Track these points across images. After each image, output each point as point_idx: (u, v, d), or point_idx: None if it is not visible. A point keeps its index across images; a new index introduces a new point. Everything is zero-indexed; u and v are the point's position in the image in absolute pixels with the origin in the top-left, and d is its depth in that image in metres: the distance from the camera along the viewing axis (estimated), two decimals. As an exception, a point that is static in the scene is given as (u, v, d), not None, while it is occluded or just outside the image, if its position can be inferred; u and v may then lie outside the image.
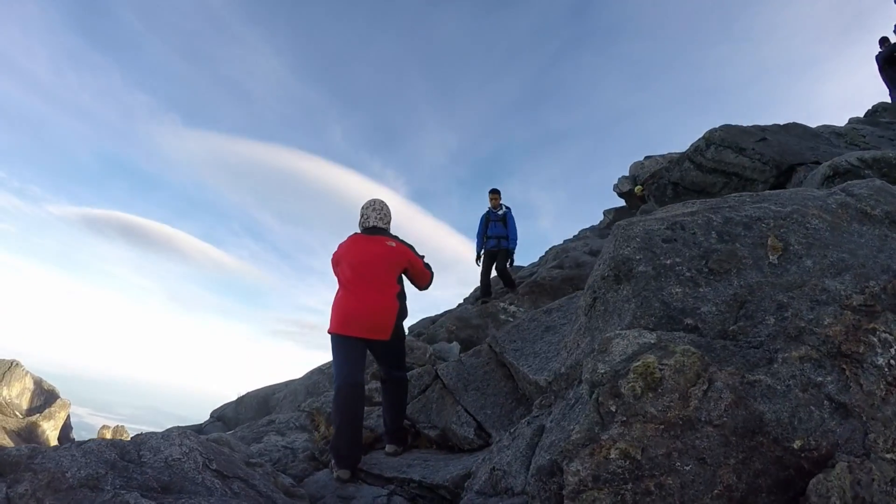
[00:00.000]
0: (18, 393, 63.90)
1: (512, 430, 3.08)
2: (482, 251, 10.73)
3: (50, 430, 56.22)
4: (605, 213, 23.89)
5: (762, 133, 8.38)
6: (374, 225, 4.69)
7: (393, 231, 4.82)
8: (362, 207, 4.82)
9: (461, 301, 17.94)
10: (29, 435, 51.85)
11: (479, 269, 10.89)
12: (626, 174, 20.27)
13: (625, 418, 2.07)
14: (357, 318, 4.20)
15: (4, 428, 48.86)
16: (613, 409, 2.10)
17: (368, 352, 4.39)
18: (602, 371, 2.21)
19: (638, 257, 2.69)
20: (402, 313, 4.46)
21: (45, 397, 65.13)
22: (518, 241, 10.48)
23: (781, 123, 9.23)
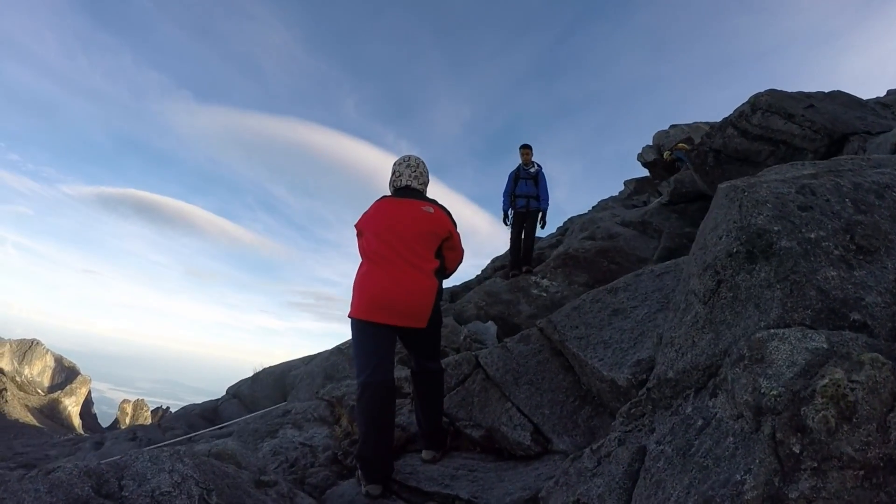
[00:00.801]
0: (40, 371, 64.85)
1: (595, 447, 2.39)
2: (510, 211, 9.78)
3: (72, 407, 56.96)
4: (626, 183, 23.21)
5: (808, 99, 7.74)
6: (408, 185, 3.90)
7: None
8: (394, 164, 4.05)
9: (478, 272, 17.36)
10: (51, 412, 52.54)
11: (509, 234, 9.90)
12: (650, 143, 19.54)
13: (816, 464, 1.37)
14: (387, 300, 3.43)
15: (27, 406, 49.44)
16: (798, 449, 1.40)
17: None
18: (774, 392, 1.50)
19: (776, 228, 1.97)
20: (440, 294, 3.70)
21: (65, 374, 66.08)
22: (549, 204, 9.54)
23: (826, 91, 8.60)
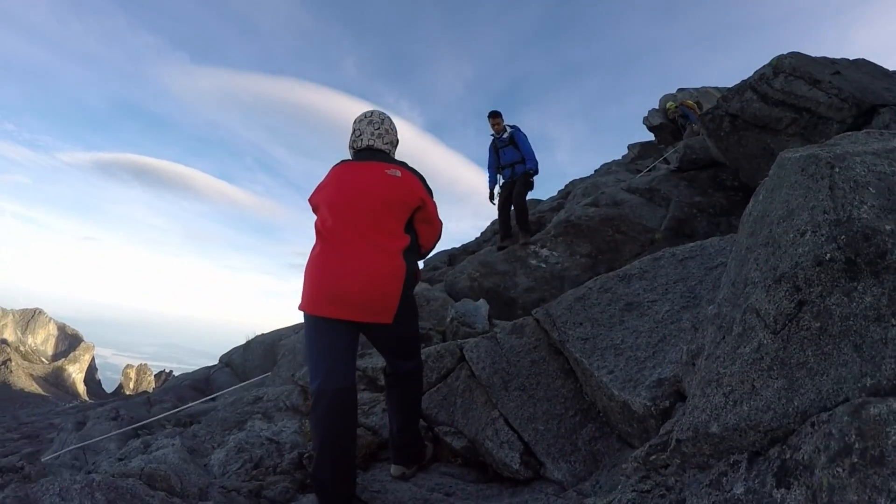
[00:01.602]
0: (43, 340, 65.30)
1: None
2: (496, 186, 9.14)
3: (76, 374, 57.38)
4: (630, 147, 22.48)
5: (833, 66, 7.01)
6: (370, 145, 3.19)
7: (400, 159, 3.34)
8: (354, 121, 3.32)
9: (478, 234, 16.74)
10: (56, 380, 52.87)
11: (496, 206, 9.21)
12: (656, 107, 18.71)
13: None
14: (341, 291, 2.73)
15: (31, 375, 49.65)
16: None
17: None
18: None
19: (889, 228, 1.26)
20: (411, 279, 2.96)
21: (69, 342, 66.52)
22: (538, 162, 8.74)
23: (851, 59, 7.88)
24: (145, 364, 64.01)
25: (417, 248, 3.12)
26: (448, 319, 5.12)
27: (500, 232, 9.50)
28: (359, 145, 3.21)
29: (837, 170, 1.38)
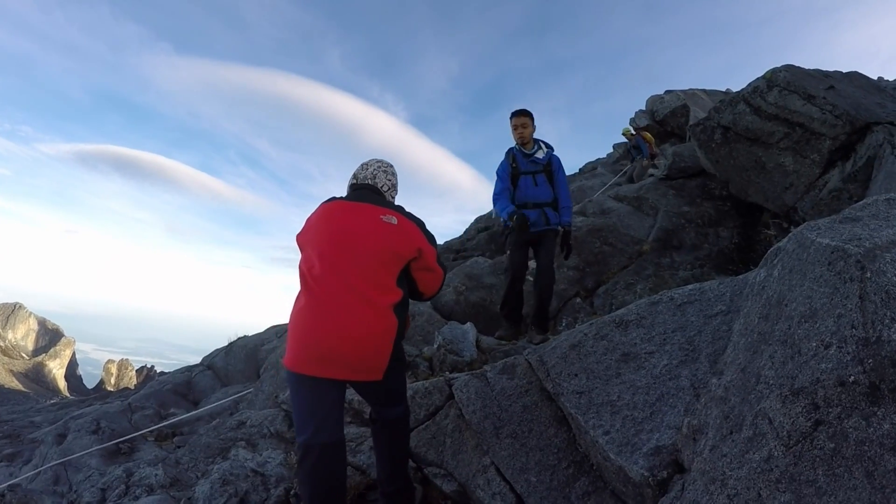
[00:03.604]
0: (23, 335, 64.47)
1: None
2: (510, 230, 5.39)
3: (56, 369, 56.72)
4: (616, 147, 22.53)
5: (827, 80, 7.06)
6: (366, 183, 3.07)
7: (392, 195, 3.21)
8: (359, 166, 3.23)
9: (461, 230, 16.54)
10: (36, 376, 52.20)
11: (507, 263, 5.69)
12: (643, 108, 18.68)
13: None
14: (330, 349, 2.57)
15: (12, 371, 48.94)
16: None
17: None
18: None
19: None
20: (402, 331, 2.84)
21: (49, 337, 65.78)
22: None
23: (844, 71, 7.92)
24: (126, 359, 63.50)
25: (407, 301, 2.92)
26: (435, 346, 5.03)
27: (503, 311, 5.85)
28: (356, 181, 3.10)
29: (869, 274, 1.30)
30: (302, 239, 2.92)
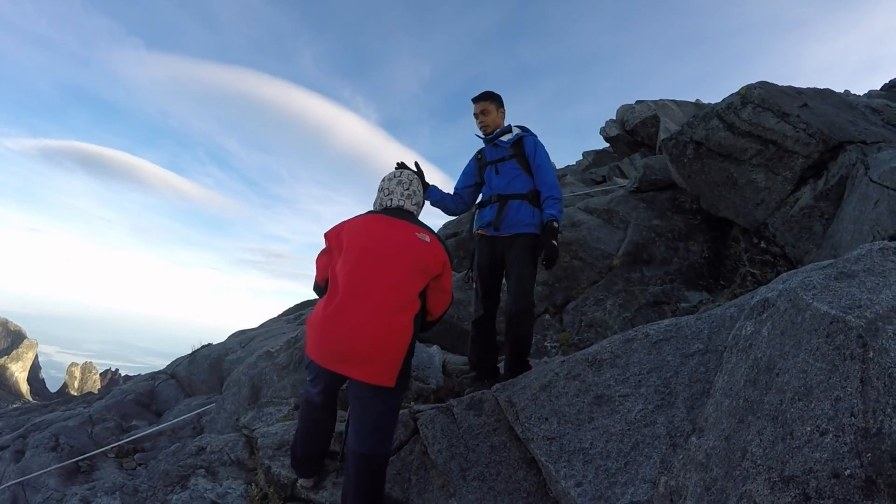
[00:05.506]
0: (-17, 336, 62.49)
1: None
2: (473, 228, 4.52)
3: (19, 372, 55.11)
4: (585, 154, 22.60)
5: (800, 97, 7.12)
6: (400, 205, 3.26)
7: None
8: (382, 180, 3.44)
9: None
10: (-5, 379, 50.60)
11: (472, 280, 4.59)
12: (614, 118, 18.76)
13: None
14: (347, 345, 2.67)
15: (-32, 374, 47.40)
16: None
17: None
18: None
19: None
20: (413, 347, 2.88)
21: (11, 338, 63.85)
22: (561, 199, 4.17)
23: (818, 88, 8.00)
24: (90, 362, 61.97)
25: (425, 316, 3.10)
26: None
27: (471, 356, 4.58)
28: (388, 204, 3.27)
29: (871, 354, 1.18)
30: (336, 239, 3.05)
